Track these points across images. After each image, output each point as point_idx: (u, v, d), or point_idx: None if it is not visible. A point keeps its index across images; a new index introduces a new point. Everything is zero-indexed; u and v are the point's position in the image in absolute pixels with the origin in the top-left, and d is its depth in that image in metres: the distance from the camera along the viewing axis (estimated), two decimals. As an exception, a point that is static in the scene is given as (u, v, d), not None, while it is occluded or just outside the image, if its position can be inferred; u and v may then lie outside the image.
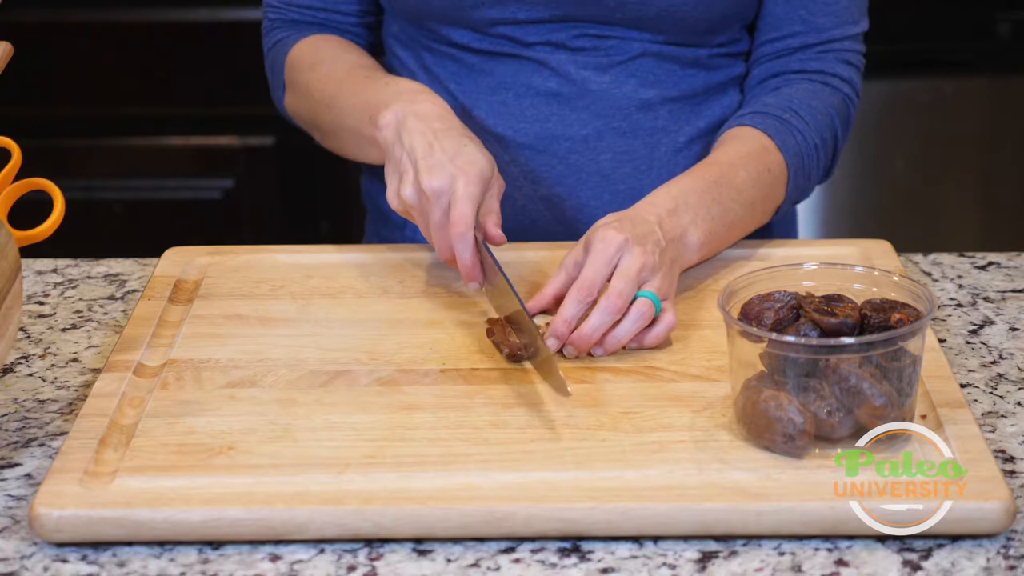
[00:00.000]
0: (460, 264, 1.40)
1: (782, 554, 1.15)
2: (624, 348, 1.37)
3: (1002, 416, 1.32)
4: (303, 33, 1.70)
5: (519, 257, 1.55)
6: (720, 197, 1.48)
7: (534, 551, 1.16)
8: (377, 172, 1.76)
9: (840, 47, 1.64)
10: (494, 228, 1.43)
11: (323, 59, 1.65)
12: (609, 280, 1.37)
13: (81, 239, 1.80)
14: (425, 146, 1.43)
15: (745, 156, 1.54)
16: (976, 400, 1.34)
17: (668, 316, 1.37)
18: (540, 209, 1.66)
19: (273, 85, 1.72)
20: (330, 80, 1.61)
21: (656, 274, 1.38)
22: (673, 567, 1.14)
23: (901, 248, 1.59)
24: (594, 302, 1.36)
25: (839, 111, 1.62)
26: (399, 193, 1.43)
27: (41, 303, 1.56)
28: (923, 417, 1.25)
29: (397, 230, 1.73)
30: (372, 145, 1.52)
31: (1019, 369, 1.40)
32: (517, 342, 1.36)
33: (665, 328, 1.37)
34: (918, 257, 1.63)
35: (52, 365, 1.43)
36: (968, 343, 1.45)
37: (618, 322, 1.36)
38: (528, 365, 1.36)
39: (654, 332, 1.37)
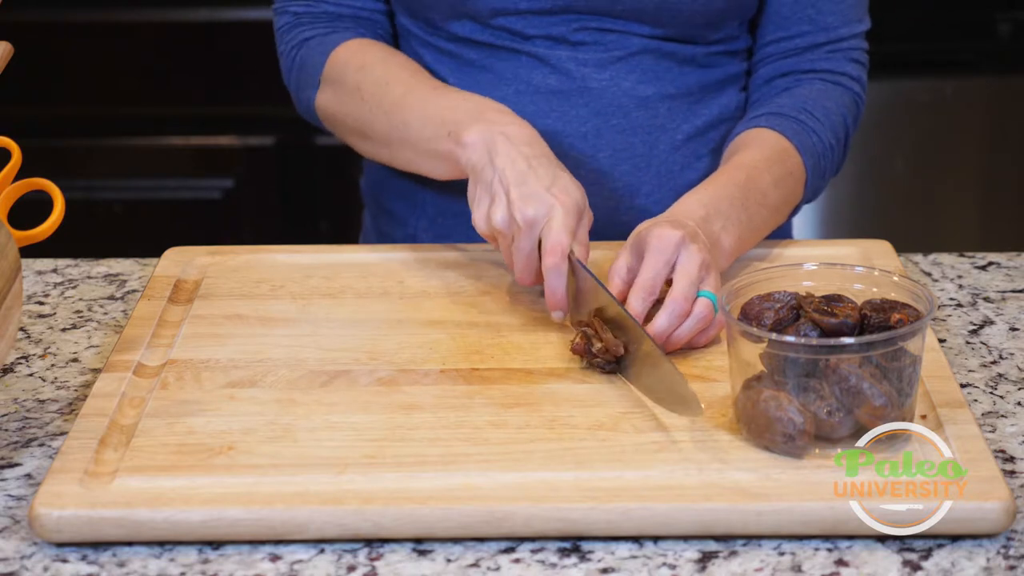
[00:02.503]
0: (550, 295, 1.39)
1: (782, 554, 1.15)
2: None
3: (1002, 416, 1.32)
4: (339, 32, 1.66)
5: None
6: (748, 202, 1.49)
7: (534, 551, 1.16)
8: (381, 168, 1.75)
9: (848, 46, 1.64)
10: (582, 257, 1.42)
11: (374, 61, 1.62)
12: (669, 281, 1.37)
13: (81, 239, 1.80)
14: (519, 173, 1.42)
15: (768, 160, 1.54)
16: (976, 400, 1.34)
17: (718, 317, 1.37)
18: None
19: (301, 84, 1.67)
20: (390, 85, 1.58)
21: (711, 273, 1.38)
22: (673, 567, 1.14)
23: (901, 248, 1.59)
24: (657, 301, 1.36)
25: (850, 110, 1.63)
26: (489, 217, 1.42)
27: (41, 303, 1.56)
28: (923, 417, 1.25)
29: (399, 227, 1.73)
30: (443, 160, 1.51)
31: (1019, 369, 1.40)
32: (615, 339, 1.34)
33: (716, 329, 1.38)
34: (918, 257, 1.63)
35: (52, 365, 1.43)
36: (968, 343, 1.45)
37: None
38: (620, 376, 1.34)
39: (707, 333, 1.38)
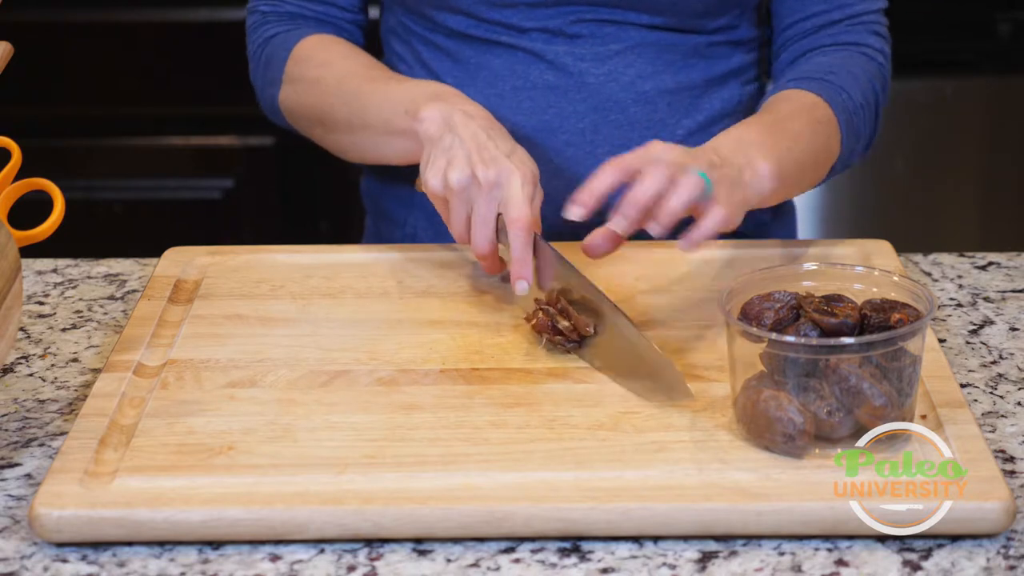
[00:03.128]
0: (516, 263, 1.38)
1: (782, 554, 1.15)
2: (678, 242, 1.33)
3: (1002, 416, 1.32)
4: (302, 29, 1.68)
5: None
6: (780, 136, 1.46)
7: (534, 551, 1.16)
8: (382, 171, 1.75)
9: (868, 19, 1.63)
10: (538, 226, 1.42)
11: (336, 57, 1.63)
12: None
13: (81, 239, 1.80)
14: (482, 138, 1.43)
15: (796, 110, 1.52)
16: (976, 400, 1.34)
17: (718, 210, 1.32)
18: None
19: (265, 81, 1.69)
20: (350, 76, 1.60)
21: (710, 169, 1.34)
22: (673, 567, 1.14)
23: (901, 248, 1.59)
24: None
25: (876, 78, 1.61)
26: (445, 175, 1.42)
27: (41, 303, 1.56)
28: (923, 417, 1.25)
29: (397, 228, 1.73)
30: (401, 137, 1.51)
31: (1019, 369, 1.40)
32: (585, 319, 1.34)
33: (713, 221, 1.32)
34: (918, 257, 1.63)
35: (52, 365, 1.43)
36: (968, 343, 1.45)
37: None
38: (584, 359, 1.35)
39: (703, 226, 1.32)
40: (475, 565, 1.14)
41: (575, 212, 1.35)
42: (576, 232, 1.55)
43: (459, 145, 1.43)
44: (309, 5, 1.69)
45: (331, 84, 1.61)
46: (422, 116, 1.47)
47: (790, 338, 1.21)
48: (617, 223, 1.33)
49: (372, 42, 1.75)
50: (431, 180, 1.43)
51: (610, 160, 1.37)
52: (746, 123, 1.48)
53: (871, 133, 1.61)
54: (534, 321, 1.37)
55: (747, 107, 1.69)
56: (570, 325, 1.34)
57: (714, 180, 1.34)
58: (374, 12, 1.75)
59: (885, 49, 1.64)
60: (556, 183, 1.64)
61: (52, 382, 1.40)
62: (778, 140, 1.45)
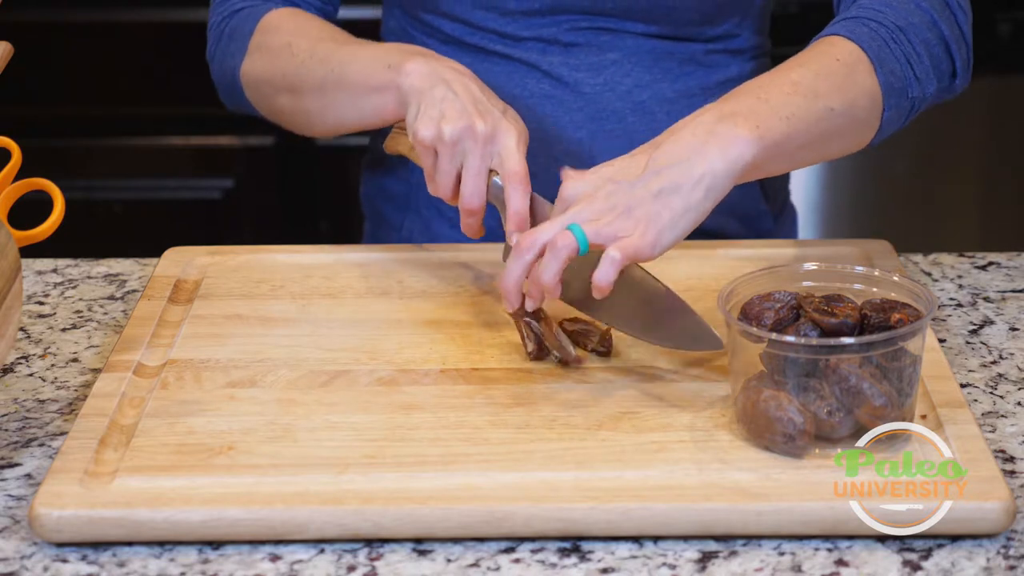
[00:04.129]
0: (513, 213, 1.36)
1: (782, 554, 1.15)
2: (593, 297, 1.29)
3: (1002, 416, 1.32)
4: (270, 4, 1.63)
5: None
6: (768, 92, 1.32)
7: (534, 551, 1.16)
8: (376, 175, 1.75)
9: None
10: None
11: (307, 26, 1.59)
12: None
13: (81, 239, 1.80)
14: (476, 93, 1.40)
15: (801, 59, 1.37)
16: (976, 400, 1.34)
17: (610, 253, 1.25)
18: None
19: (226, 54, 1.63)
20: (324, 40, 1.55)
21: (589, 205, 1.27)
22: (673, 567, 1.14)
23: (901, 248, 1.59)
24: None
25: (936, 8, 1.44)
26: (439, 125, 1.38)
27: (41, 303, 1.56)
28: (923, 417, 1.25)
29: (394, 232, 1.74)
30: (380, 93, 1.47)
31: (1019, 369, 1.40)
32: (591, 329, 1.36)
33: (607, 263, 1.25)
34: (918, 257, 1.63)
35: (52, 365, 1.43)
36: (968, 343, 1.45)
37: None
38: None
39: (598, 273, 1.26)
40: (475, 565, 1.14)
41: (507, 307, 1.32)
42: None
43: (453, 97, 1.40)
44: None
45: (304, 48, 1.56)
46: (407, 69, 1.43)
47: (790, 338, 1.21)
48: (528, 304, 1.32)
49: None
50: (423, 130, 1.39)
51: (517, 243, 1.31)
52: (732, 90, 1.36)
53: (941, 56, 1.43)
54: (532, 348, 1.36)
55: None
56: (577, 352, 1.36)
57: (605, 216, 1.27)
58: (363, 12, 1.74)
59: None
60: (553, 192, 1.63)
61: (52, 382, 1.40)
62: (763, 94, 1.32)
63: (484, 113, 1.39)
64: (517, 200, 1.36)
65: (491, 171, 1.40)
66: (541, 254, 1.28)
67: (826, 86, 1.35)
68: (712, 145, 1.28)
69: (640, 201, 1.27)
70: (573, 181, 1.31)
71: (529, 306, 1.31)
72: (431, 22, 1.64)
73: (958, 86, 1.47)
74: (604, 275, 1.25)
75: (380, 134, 1.75)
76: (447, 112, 1.39)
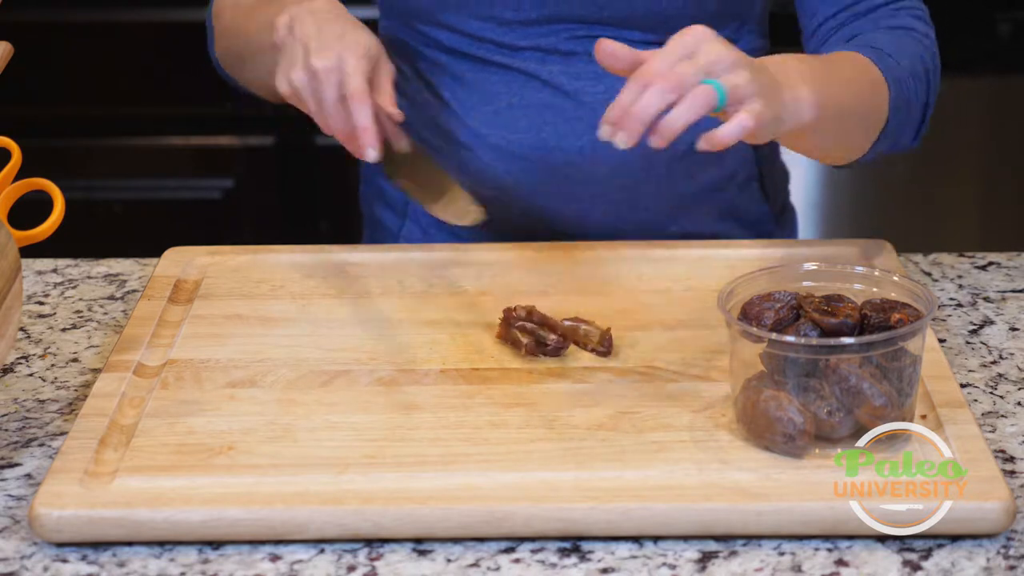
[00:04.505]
0: (360, 129, 1.40)
1: (782, 554, 1.15)
2: (694, 147, 1.28)
3: (1002, 416, 1.32)
4: None
5: (517, 257, 1.55)
6: (827, 73, 1.38)
7: (534, 551, 1.16)
8: (374, 180, 1.75)
9: (909, 5, 1.57)
10: (390, 106, 1.44)
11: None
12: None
13: (81, 239, 1.80)
14: (314, 32, 1.44)
15: (849, 61, 1.45)
16: (976, 400, 1.34)
17: (742, 116, 1.24)
18: (536, 220, 1.64)
19: (210, 43, 1.71)
20: (247, 9, 1.61)
21: (735, 71, 1.25)
22: (673, 567, 1.14)
23: (901, 248, 1.59)
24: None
25: (927, 55, 1.54)
26: (289, 77, 1.43)
27: (41, 303, 1.56)
28: (923, 417, 1.25)
29: (391, 236, 1.73)
30: (271, 52, 1.50)
31: (1019, 369, 1.40)
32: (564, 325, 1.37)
33: (736, 126, 1.24)
34: (918, 257, 1.63)
35: (52, 365, 1.43)
36: (968, 343, 1.45)
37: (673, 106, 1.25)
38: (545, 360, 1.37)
39: (724, 128, 1.25)
40: (475, 565, 1.14)
41: (605, 131, 1.26)
42: (585, 232, 1.55)
43: (297, 44, 1.44)
44: None
45: (239, 21, 1.62)
46: (276, 24, 1.47)
47: (790, 338, 1.21)
48: (619, 138, 1.25)
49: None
50: (280, 85, 1.45)
51: (638, 72, 1.26)
52: (797, 56, 1.38)
53: (919, 117, 1.53)
54: (526, 347, 1.38)
55: None
56: (557, 337, 1.36)
57: (748, 87, 1.25)
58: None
59: (931, 34, 1.57)
60: (556, 201, 1.63)
61: (52, 382, 1.40)
62: (828, 75, 1.38)
63: (318, 50, 1.42)
64: (360, 118, 1.40)
65: None
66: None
67: (864, 95, 1.43)
68: (791, 92, 1.31)
69: (764, 81, 1.27)
70: (701, 27, 1.28)
71: (621, 140, 1.25)
72: (428, 32, 1.63)
73: (912, 146, 1.56)
74: (729, 133, 1.24)
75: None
76: (292, 61, 1.43)
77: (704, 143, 1.25)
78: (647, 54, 1.27)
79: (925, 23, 1.58)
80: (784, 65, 1.34)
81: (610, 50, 1.28)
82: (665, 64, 1.24)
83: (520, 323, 1.38)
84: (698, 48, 1.26)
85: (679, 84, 1.23)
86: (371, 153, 1.41)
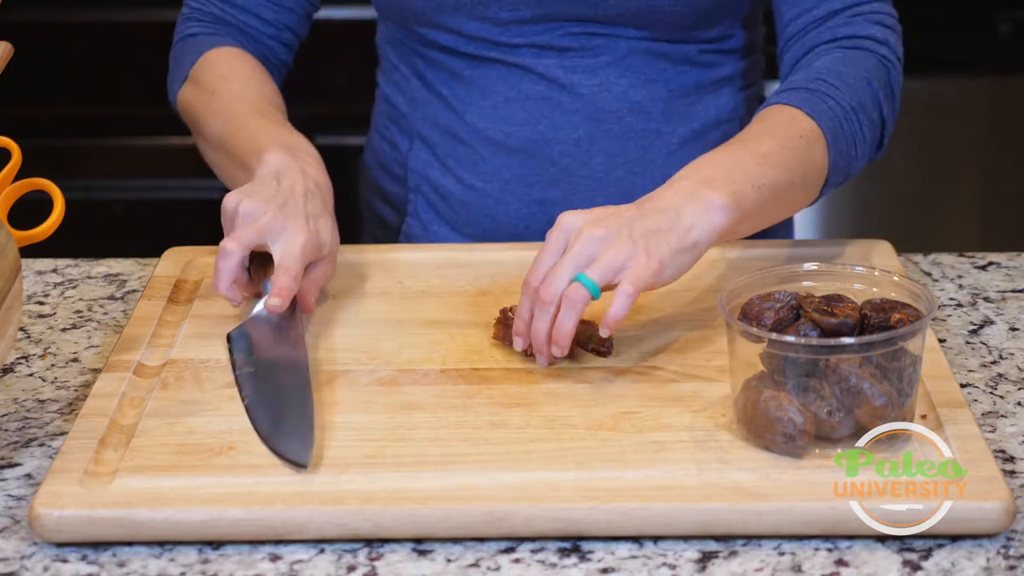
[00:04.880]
0: (275, 288, 1.37)
1: (782, 554, 1.15)
2: (600, 339, 1.34)
3: (1002, 416, 1.32)
4: (222, 35, 1.67)
5: (516, 257, 1.55)
6: (741, 161, 1.39)
7: (534, 551, 1.16)
8: (374, 177, 1.76)
9: (869, 10, 1.55)
10: (310, 298, 1.42)
11: (237, 75, 1.62)
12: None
13: (81, 239, 1.80)
14: (298, 192, 1.42)
15: (769, 128, 1.45)
16: (976, 400, 1.34)
17: (623, 288, 1.29)
18: (534, 213, 1.65)
19: (174, 75, 1.69)
20: (239, 100, 1.59)
21: (602, 248, 1.30)
22: (673, 567, 1.14)
23: (901, 248, 1.59)
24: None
25: (875, 74, 1.53)
26: (240, 203, 1.41)
27: (41, 303, 1.56)
28: (923, 417, 1.25)
29: (391, 233, 1.74)
30: (245, 171, 1.50)
31: (1019, 369, 1.40)
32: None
33: (622, 299, 1.29)
34: (918, 257, 1.63)
35: (52, 365, 1.43)
36: (968, 343, 1.45)
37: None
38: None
39: (612, 309, 1.29)
40: (475, 565, 1.14)
41: (518, 344, 1.35)
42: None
43: (268, 190, 1.42)
44: (232, 12, 1.67)
45: (221, 100, 1.60)
46: (265, 158, 1.46)
47: (790, 338, 1.21)
48: (540, 362, 1.34)
49: (365, 60, 1.74)
50: (227, 199, 1.42)
51: (523, 284, 1.34)
52: (709, 152, 1.42)
53: (877, 136, 1.54)
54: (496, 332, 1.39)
55: (743, 113, 1.68)
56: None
57: (616, 257, 1.30)
58: (355, 14, 1.74)
59: (889, 40, 1.55)
60: (552, 194, 1.64)
61: (52, 382, 1.40)
62: (739, 163, 1.39)
63: (286, 217, 1.40)
64: (281, 281, 1.37)
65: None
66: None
67: (791, 160, 1.42)
68: (696, 204, 1.34)
69: (640, 234, 1.31)
70: (570, 214, 1.34)
71: (542, 363, 1.35)
72: (425, 34, 1.63)
73: (876, 157, 1.56)
74: (619, 310, 1.29)
75: (378, 133, 1.76)
76: (254, 199, 1.41)
77: (604, 329, 1.31)
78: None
79: (885, 28, 1.56)
80: (687, 181, 1.36)
81: None
82: (537, 276, 1.31)
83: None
84: (568, 240, 1.32)
85: (550, 297, 1.30)
86: (275, 301, 1.37)
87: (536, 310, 1.32)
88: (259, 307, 1.41)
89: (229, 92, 1.60)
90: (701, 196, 1.34)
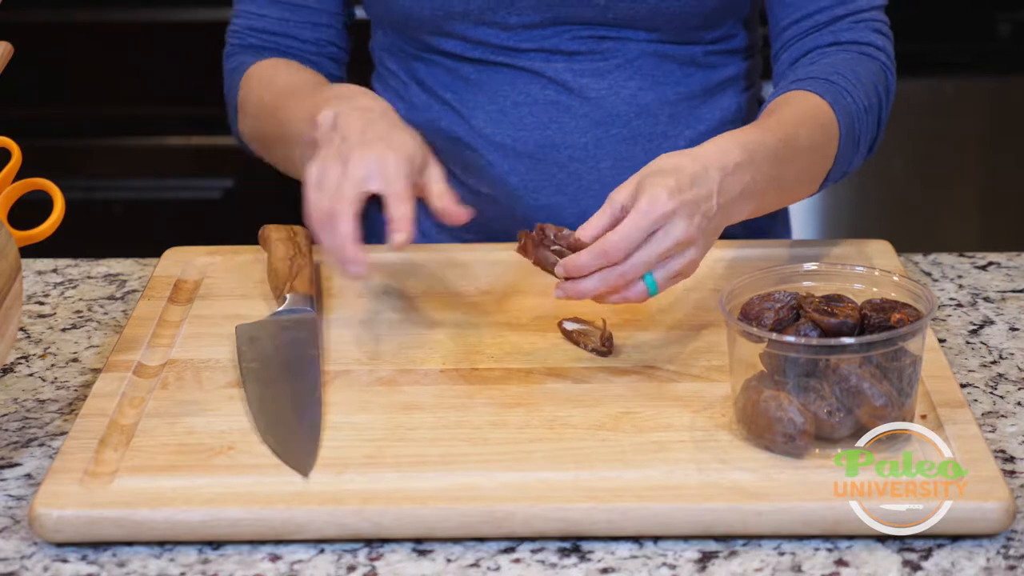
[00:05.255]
0: (396, 222, 1.33)
1: (782, 554, 1.15)
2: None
3: (1002, 416, 1.32)
4: (255, 57, 1.66)
5: (516, 258, 1.54)
6: (782, 159, 1.41)
7: (534, 551, 1.16)
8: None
9: (869, 17, 1.58)
10: (452, 204, 1.37)
11: (276, 78, 1.61)
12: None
13: (81, 239, 1.80)
14: (358, 130, 1.38)
15: (803, 115, 1.47)
16: (976, 400, 1.34)
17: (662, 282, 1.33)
18: (542, 218, 1.64)
19: (230, 114, 1.69)
20: (279, 93, 1.57)
21: (689, 249, 1.33)
22: (673, 567, 1.14)
23: (901, 248, 1.59)
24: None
25: (880, 79, 1.56)
26: (322, 167, 1.36)
27: (41, 303, 1.56)
28: (923, 417, 1.25)
29: (382, 233, 1.73)
30: (311, 147, 1.44)
31: (1019, 369, 1.40)
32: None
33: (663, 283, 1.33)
34: (918, 257, 1.63)
35: (52, 365, 1.43)
36: (968, 343, 1.45)
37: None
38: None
39: (640, 289, 1.33)
40: (475, 565, 1.14)
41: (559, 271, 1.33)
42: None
43: (336, 140, 1.38)
44: (271, 39, 1.66)
45: (267, 102, 1.59)
46: (318, 121, 1.42)
47: (790, 338, 1.21)
48: (556, 292, 1.33)
49: (359, 64, 1.73)
50: (309, 171, 1.37)
51: (612, 197, 1.33)
52: (762, 131, 1.42)
53: (872, 138, 1.56)
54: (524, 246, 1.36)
55: (745, 114, 1.68)
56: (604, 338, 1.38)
57: (688, 266, 1.33)
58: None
59: (888, 48, 1.59)
60: (560, 198, 1.64)
61: (52, 382, 1.40)
62: (780, 162, 1.41)
63: (364, 145, 1.36)
64: (394, 211, 1.34)
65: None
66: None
67: (810, 158, 1.48)
68: (741, 206, 1.37)
69: (704, 236, 1.33)
70: (662, 189, 1.31)
71: (557, 294, 1.33)
72: (430, 41, 1.63)
73: (867, 158, 1.59)
74: (642, 293, 1.32)
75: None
76: (329, 155, 1.37)
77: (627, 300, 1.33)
78: (620, 213, 1.32)
79: (883, 36, 1.59)
80: (744, 165, 1.37)
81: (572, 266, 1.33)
82: (619, 251, 1.30)
83: (554, 246, 1.34)
84: (660, 227, 1.31)
85: (621, 280, 1.30)
86: (360, 269, 1.33)
87: (598, 280, 1.31)
88: (281, 307, 1.42)
89: (271, 93, 1.58)
90: (746, 196, 1.36)
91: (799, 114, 1.48)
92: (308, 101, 1.49)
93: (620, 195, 1.32)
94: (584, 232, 1.32)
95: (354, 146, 1.36)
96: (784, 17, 1.60)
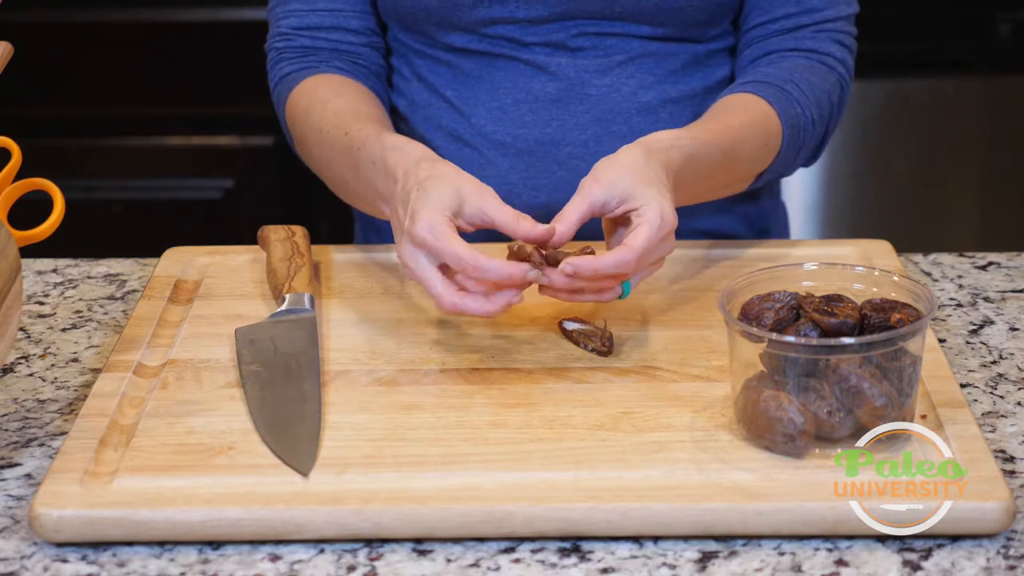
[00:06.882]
0: (522, 235, 1.35)
1: (782, 554, 1.15)
2: None
3: (1002, 416, 1.32)
4: (310, 66, 1.63)
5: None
6: (723, 168, 1.49)
7: (534, 551, 1.16)
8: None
9: (833, 27, 1.62)
10: (533, 228, 1.35)
11: (316, 103, 1.58)
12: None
13: (81, 239, 1.80)
14: (421, 178, 1.38)
15: (751, 126, 1.53)
16: (976, 400, 1.34)
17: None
18: (541, 216, 1.64)
19: (289, 137, 1.67)
20: (331, 142, 1.54)
21: (659, 264, 1.38)
22: (673, 567, 1.14)
23: (901, 248, 1.59)
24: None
25: (834, 90, 1.61)
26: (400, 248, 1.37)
27: (41, 303, 1.56)
28: (923, 417, 1.25)
29: (387, 237, 1.73)
30: (379, 205, 1.47)
31: (1019, 369, 1.40)
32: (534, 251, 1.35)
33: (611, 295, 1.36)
34: (918, 257, 1.63)
35: (52, 365, 1.43)
36: (968, 343, 1.45)
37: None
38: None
39: (613, 295, 1.36)
40: (475, 565, 1.14)
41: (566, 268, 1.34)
42: (589, 227, 1.55)
43: (409, 192, 1.37)
44: (322, 35, 1.64)
45: (315, 144, 1.56)
46: (384, 211, 1.43)
47: (790, 338, 1.21)
48: (542, 278, 1.34)
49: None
50: (402, 249, 1.36)
51: (586, 188, 1.36)
52: (714, 134, 1.48)
53: (815, 148, 1.62)
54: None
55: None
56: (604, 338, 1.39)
57: (656, 269, 1.38)
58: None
59: (847, 60, 1.63)
60: (559, 195, 1.63)
61: (52, 382, 1.40)
62: (720, 170, 1.49)
63: (432, 191, 1.35)
64: (527, 233, 1.35)
65: None
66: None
67: (750, 168, 1.55)
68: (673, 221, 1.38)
69: (669, 247, 1.38)
70: (671, 216, 1.35)
71: (539, 278, 1.35)
72: (435, 34, 1.63)
73: (807, 166, 1.66)
74: (617, 294, 1.36)
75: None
76: (411, 214, 1.35)
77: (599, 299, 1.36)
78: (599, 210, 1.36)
79: (844, 47, 1.63)
80: (690, 167, 1.43)
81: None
82: (643, 260, 1.34)
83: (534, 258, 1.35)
84: (664, 239, 1.35)
85: (610, 283, 1.34)
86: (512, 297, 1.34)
87: (565, 286, 1.33)
88: (281, 307, 1.42)
89: (319, 132, 1.56)
90: (676, 188, 1.40)
91: (750, 123, 1.53)
92: (360, 169, 1.47)
93: (597, 193, 1.35)
94: (561, 226, 1.35)
95: (431, 191, 1.36)
96: (753, 18, 1.64)
